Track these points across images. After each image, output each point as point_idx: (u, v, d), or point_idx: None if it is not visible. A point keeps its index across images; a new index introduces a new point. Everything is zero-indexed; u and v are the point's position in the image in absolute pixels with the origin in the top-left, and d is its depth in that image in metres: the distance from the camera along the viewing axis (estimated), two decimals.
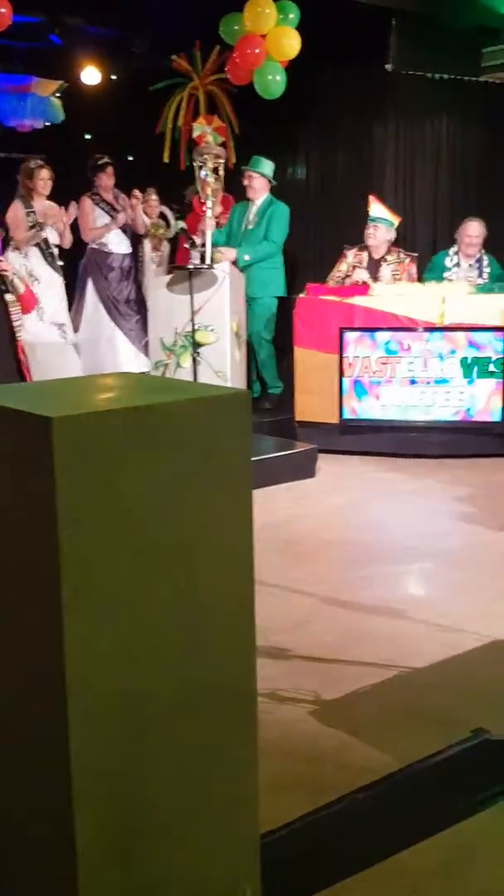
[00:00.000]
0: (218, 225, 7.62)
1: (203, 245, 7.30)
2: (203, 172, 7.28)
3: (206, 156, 7.37)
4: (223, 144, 7.61)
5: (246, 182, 7.85)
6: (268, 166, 7.87)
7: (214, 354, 6.31)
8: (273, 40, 7.25)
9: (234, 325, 6.50)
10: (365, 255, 7.48)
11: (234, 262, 7.58)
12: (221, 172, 7.44)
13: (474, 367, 6.88)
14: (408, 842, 2.55)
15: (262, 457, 6.38)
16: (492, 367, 6.85)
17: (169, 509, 1.68)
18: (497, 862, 2.51)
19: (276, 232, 7.82)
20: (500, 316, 6.81)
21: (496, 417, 6.90)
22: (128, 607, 1.64)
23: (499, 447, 6.91)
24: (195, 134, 7.70)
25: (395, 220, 7.56)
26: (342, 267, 7.47)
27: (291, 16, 7.19)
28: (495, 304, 6.86)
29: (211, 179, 7.29)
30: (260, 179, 7.82)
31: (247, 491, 1.79)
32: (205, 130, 7.66)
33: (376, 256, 7.47)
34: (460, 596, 4.32)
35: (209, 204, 7.34)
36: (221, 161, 7.47)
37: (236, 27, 7.29)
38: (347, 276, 7.41)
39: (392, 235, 7.51)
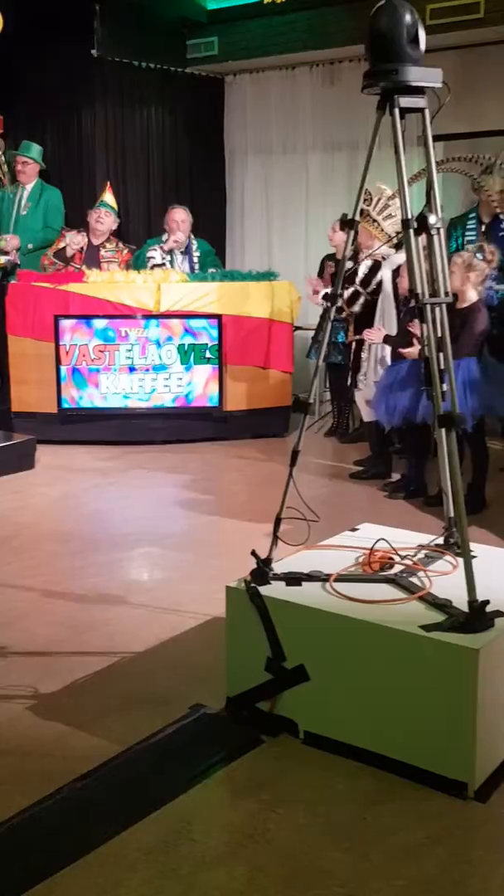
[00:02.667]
0: None
1: None
2: None
3: None
4: (2, 136, 7.64)
5: (19, 167, 7.86)
6: (37, 151, 7.90)
7: None
8: None
9: None
10: (84, 238, 7.42)
11: (18, 249, 7.68)
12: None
13: (191, 354, 7.03)
14: (129, 822, 2.58)
15: None
16: (208, 354, 7.04)
17: None
18: (211, 830, 2.59)
19: (55, 219, 7.89)
20: (215, 303, 7.01)
21: (214, 402, 7.10)
22: None
23: (217, 432, 7.12)
24: None
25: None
26: (61, 245, 7.38)
27: None
28: (209, 291, 7.04)
29: None
30: (32, 164, 7.84)
31: None
32: None
33: (96, 242, 7.43)
34: (181, 578, 4.40)
35: None
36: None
37: None
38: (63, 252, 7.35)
39: (116, 224, 7.57)
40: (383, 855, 2.45)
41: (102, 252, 7.42)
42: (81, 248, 7.36)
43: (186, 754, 2.93)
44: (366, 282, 5.98)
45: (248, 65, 8.51)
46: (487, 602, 2.77)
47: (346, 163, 8.41)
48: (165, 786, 2.75)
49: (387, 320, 5.86)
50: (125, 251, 7.53)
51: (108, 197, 7.58)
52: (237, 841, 2.52)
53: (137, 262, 7.39)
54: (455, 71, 6.52)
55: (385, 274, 5.89)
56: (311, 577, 3.08)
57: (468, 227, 7.05)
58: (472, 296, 5.20)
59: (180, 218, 7.45)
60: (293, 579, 3.07)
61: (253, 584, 3.03)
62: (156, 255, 7.36)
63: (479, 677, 2.62)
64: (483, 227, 6.95)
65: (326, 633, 2.89)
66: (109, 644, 3.66)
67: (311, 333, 7.60)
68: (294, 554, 3.29)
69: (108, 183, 7.70)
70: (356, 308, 6.02)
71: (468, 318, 5.13)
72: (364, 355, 5.98)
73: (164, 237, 7.48)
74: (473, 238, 6.92)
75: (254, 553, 3.11)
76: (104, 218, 7.45)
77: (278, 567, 3.13)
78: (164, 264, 7.32)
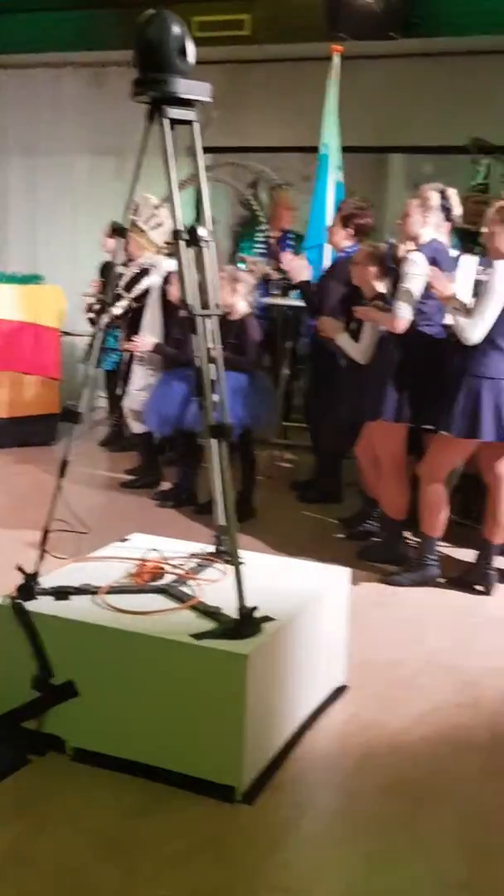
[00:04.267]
0: None
1: None
2: None
3: None
4: None
5: None
6: None
7: None
8: None
9: None
10: None
11: None
12: None
13: None
14: None
15: None
16: None
17: None
18: None
19: None
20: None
21: None
22: None
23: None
24: None
25: None
26: None
27: None
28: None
29: None
30: None
31: None
32: None
33: None
34: None
35: None
36: None
37: None
38: None
39: None
40: (152, 865, 2.43)
41: None
42: None
43: None
44: (129, 286, 5.94)
45: (11, 60, 8.26)
46: (255, 608, 2.83)
47: (114, 167, 8.34)
48: None
49: (153, 328, 5.81)
50: None
51: None
52: (2, 866, 2.42)
53: None
54: (223, 86, 6.63)
55: (153, 282, 5.87)
56: (80, 591, 3.01)
57: (257, 239, 7.22)
58: (242, 307, 5.30)
59: None
60: (61, 593, 2.99)
61: (18, 600, 2.93)
62: None
63: (248, 681, 2.67)
64: (272, 241, 7.13)
65: (96, 646, 2.84)
66: None
67: (80, 339, 7.46)
68: (63, 567, 3.21)
69: None
70: (116, 310, 5.91)
71: (242, 329, 5.24)
72: (135, 366, 5.93)
73: None
74: (262, 250, 7.10)
75: (19, 568, 3.00)
76: None
77: (46, 581, 3.05)
78: None
